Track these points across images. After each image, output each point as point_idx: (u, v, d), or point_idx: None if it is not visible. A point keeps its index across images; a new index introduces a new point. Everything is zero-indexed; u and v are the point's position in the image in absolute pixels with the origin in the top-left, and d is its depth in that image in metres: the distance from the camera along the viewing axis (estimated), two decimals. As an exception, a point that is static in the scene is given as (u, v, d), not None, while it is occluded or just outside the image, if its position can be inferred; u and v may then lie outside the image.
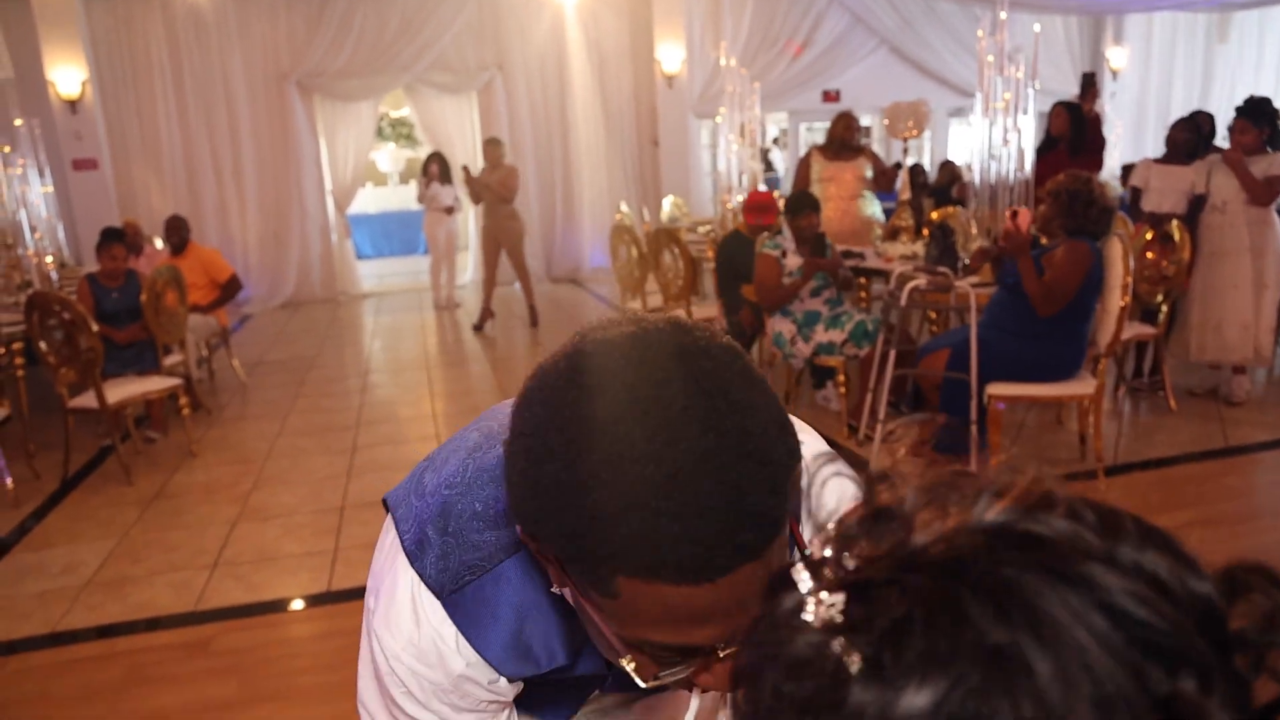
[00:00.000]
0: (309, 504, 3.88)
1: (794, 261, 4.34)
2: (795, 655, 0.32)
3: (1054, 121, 5.48)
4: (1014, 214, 3.60)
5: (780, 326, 4.45)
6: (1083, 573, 0.29)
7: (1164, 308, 4.53)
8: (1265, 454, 4.01)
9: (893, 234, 5.87)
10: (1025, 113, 5.04)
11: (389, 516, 0.89)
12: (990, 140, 5.09)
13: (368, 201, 12.71)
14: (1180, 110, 8.04)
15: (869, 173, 5.80)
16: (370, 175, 12.62)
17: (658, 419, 0.56)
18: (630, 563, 0.56)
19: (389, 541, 0.85)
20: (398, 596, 0.80)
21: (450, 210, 8.32)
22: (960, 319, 4.47)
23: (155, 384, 4.48)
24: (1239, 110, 4.52)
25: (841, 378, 4.42)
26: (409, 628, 0.79)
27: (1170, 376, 4.62)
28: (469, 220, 9.56)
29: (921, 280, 4.00)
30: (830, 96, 10.17)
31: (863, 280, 5.00)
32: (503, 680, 0.83)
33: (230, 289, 5.69)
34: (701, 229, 7.42)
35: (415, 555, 0.80)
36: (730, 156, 6.75)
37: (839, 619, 0.32)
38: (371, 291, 10.03)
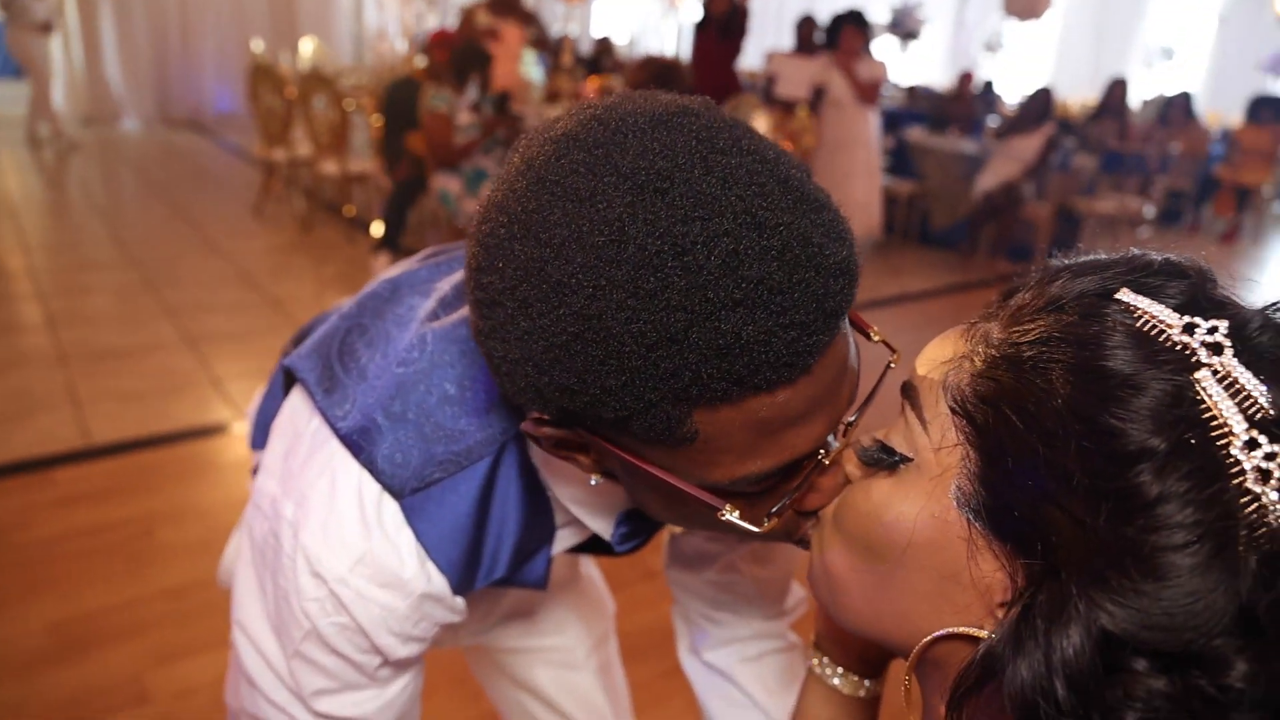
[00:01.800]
0: None
1: (465, 118, 4.23)
2: None
3: (716, 3, 5.70)
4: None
5: (447, 184, 4.35)
6: None
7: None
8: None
9: (552, 97, 5.94)
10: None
11: (297, 394, 0.69)
12: (650, 14, 5.29)
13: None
14: (792, 10, 8.95)
15: (531, 34, 5.76)
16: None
17: (689, 199, 0.44)
18: (712, 384, 0.44)
19: (309, 428, 0.66)
20: (338, 499, 0.62)
21: (48, 27, 6.75)
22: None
23: None
24: (847, 19, 5.08)
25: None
26: (356, 540, 0.62)
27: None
28: (69, 40, 7.91)
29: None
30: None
31: (527, 141, 5.03)
32: (460, 598, 0.67)
33: None
34: (346, 81, 6.85)
35: (359, 447, 0.62)
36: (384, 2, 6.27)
37: None
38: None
